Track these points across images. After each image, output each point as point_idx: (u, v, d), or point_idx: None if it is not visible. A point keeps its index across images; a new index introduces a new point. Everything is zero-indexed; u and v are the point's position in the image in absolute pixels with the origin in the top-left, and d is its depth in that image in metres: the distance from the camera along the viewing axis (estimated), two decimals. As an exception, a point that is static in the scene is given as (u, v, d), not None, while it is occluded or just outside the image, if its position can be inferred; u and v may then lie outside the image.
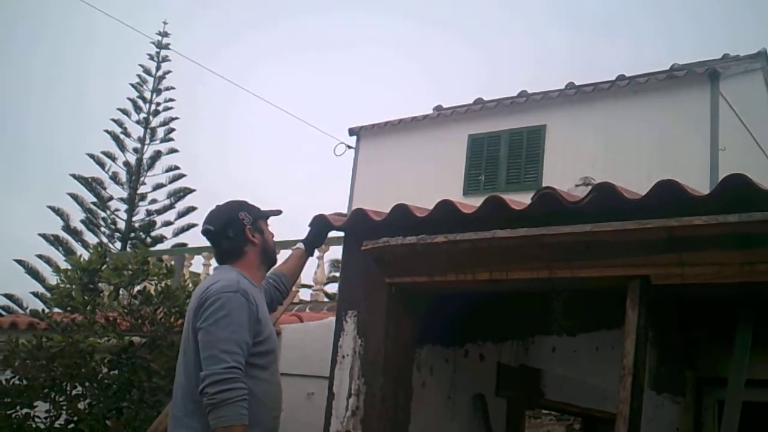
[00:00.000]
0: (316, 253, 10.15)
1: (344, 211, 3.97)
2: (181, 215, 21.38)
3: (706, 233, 2.57)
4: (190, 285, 5.27)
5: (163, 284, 5.07)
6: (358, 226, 3.48)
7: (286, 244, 3.40)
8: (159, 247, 19.65)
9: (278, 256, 3.51)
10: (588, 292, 3.90)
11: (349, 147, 14.74)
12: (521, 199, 3.19)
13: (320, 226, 3.65)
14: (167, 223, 21.43)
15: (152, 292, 5.05)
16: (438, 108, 14.62)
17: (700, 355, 5.03)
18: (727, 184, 2.55)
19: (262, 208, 3.35)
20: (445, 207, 3.16)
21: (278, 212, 3.39)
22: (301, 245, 3.71)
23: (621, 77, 12.48)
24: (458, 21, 37.42)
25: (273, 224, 3.44)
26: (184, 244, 18.96)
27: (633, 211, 2.77)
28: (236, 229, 3.21)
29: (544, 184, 12.09)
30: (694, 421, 5.04)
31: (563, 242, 2.87)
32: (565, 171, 11.28)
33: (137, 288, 5.20)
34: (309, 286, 10.66)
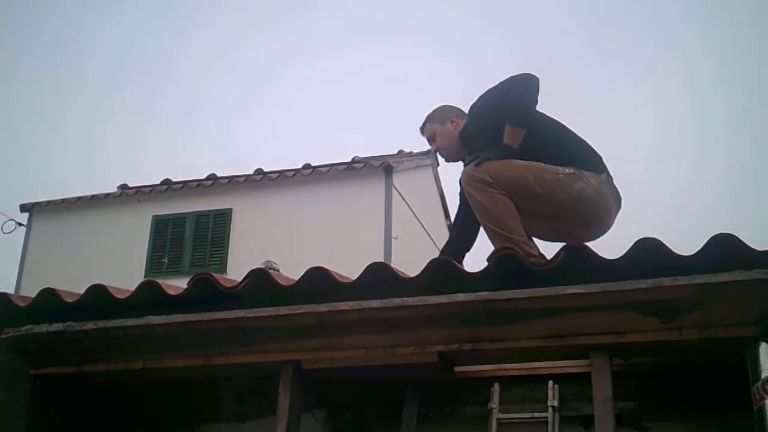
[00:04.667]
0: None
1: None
2: None
3: (352, 318, 2.68)
4: None
5: None
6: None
7: None
8: None
9: None
10: (259, 377, 3.88)
11: (20, 224, 13.61)
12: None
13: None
14: None
15: None
16: (123, 186, 14.10)
17: (372, 433, 5.18)
18: (370, 272, 2.69)
19: None
20: (97, 291, 2.99)
21: None
22: None
23: (306, 166, 13.00)
24: (148, 101, 36.86)
25: None
26: None
27: (288, 296, 2.82)
28: None
29: (229, 268, 12.13)
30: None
31: (219, 328, 2.83)
32: (251, 255, 11.34)
33: None
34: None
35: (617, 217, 3.67)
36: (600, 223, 3.55)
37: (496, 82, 3.63)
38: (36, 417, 3.12)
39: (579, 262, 2.54)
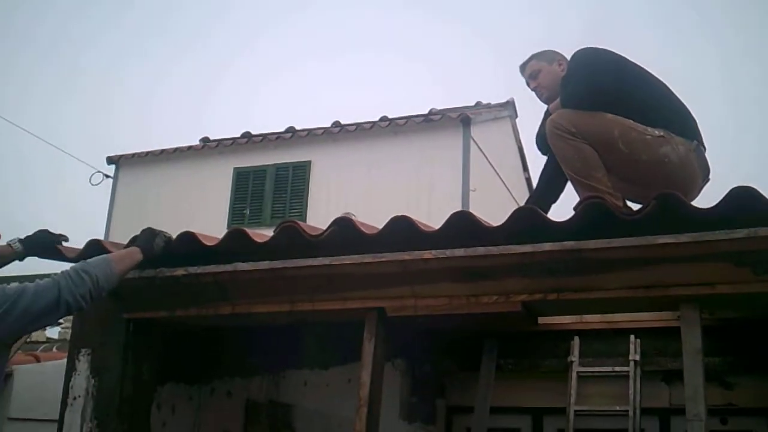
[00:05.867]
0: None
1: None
2: None
3: (436, 266, 2.68)
4: None
5: None
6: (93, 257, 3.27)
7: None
8: None
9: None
10: (340, 325, 3.95)
11: (107, 176, 14.04)
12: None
13: (48, 252, 3.36)
14: None
15: None
16: (204, 140, 14.35)
17: (450, 384, 5.23)
18: (453, 221, 2.67)
19: None
20: (187, 238, 3.06)
21: None
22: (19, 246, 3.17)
23: (383, 118, 12.97)
24: (226, 54, 37.37)
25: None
26: None
27: (371, 245, 2.83)
28: None
29: (308, 219, 12.27)
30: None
31: (304, 275, 2.88)
32: (330, 206, 11.46)
33: None
34: (58, 323, 9.93)
35: (702, 190, 3.55)
36: (679, 192, 3.42)
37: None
38: (130, 358, 3.25)
39: (670, 211, 2.47)
